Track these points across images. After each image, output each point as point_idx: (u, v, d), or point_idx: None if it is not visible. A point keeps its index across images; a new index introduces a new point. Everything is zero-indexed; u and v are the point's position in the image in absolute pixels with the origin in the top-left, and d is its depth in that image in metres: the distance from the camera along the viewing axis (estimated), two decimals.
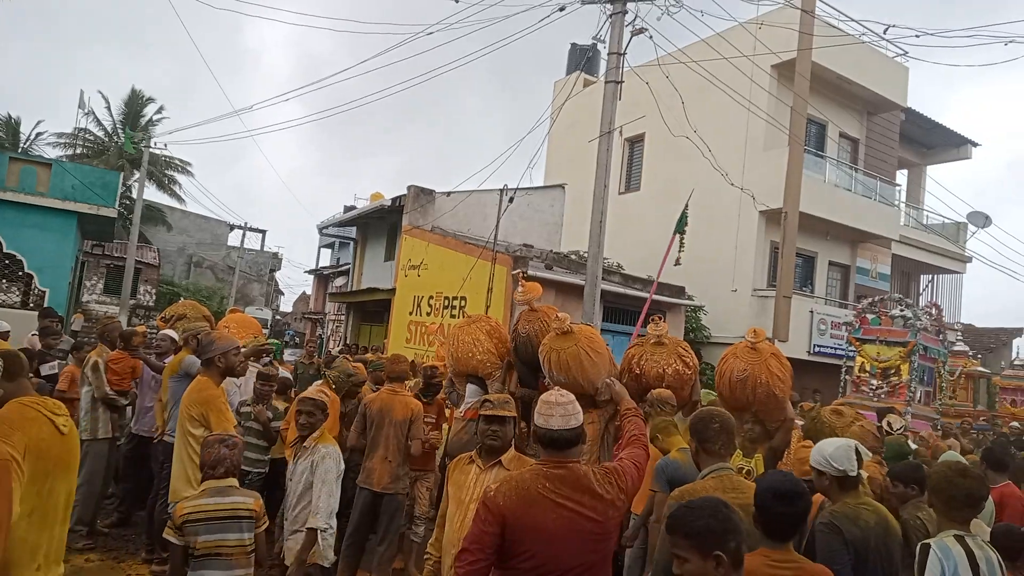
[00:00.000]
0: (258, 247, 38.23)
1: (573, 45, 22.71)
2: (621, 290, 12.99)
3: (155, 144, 23.76)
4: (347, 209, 24.54)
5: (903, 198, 20.20)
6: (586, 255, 9.57)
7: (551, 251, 14.02)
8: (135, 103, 28.77)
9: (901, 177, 21.09)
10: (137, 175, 24.44)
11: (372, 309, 17.82)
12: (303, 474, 3.90)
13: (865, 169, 18.01)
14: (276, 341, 10.41)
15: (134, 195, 23.30)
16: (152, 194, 28.55)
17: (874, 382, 11.51)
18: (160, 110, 29.47)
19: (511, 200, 9.77)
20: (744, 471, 4.17)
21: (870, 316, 12.19)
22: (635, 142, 19.70)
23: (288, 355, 12.81)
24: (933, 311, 12.66)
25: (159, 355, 5.81)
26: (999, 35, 9.66)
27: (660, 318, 4.98)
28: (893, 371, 11.31)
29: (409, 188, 14.93)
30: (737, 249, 16.49)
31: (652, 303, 12.90)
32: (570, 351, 4.27)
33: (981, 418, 13.32)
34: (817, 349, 15.97)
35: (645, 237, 17.88)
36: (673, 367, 4.67)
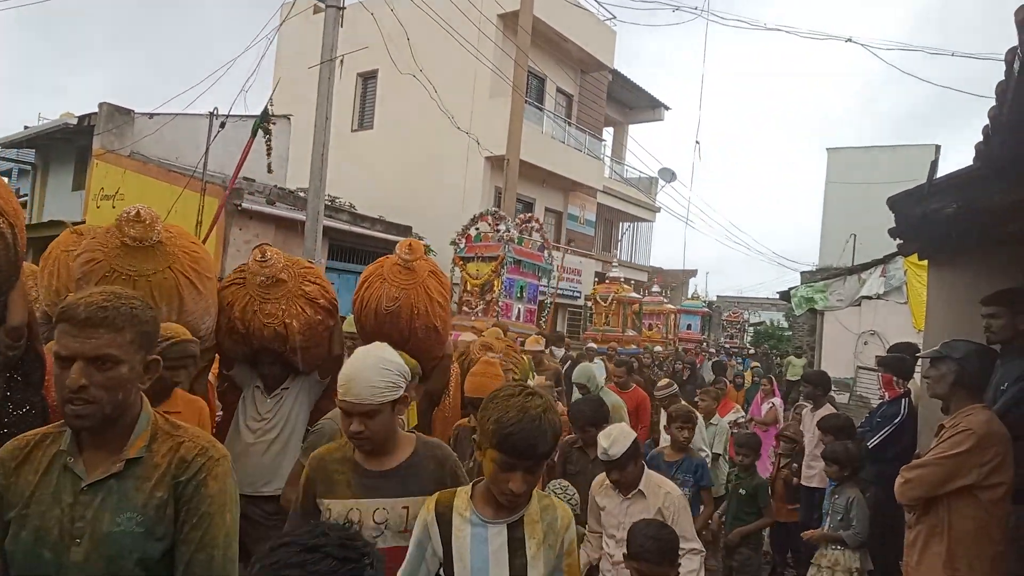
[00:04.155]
0: None
1: None
2: (348, 228, 12.78)
3: None
4: (27, 130, 20.55)
5: (608, 152, 22.57)
6: None
7: (274, 186, 13.24)
8: None
9: (607, 133, 23.47)
10: None
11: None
12: None
13: (577, 124, 19.70)
14: None
15: None
16: None
17: (472, 300, 10.66)
18: None
19: (222, 126, 8.94)
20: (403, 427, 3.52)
21: (472, 233, 11.26)
22: (368, 78, 19.24)
23: None
24: (534, 225, 11.84)
25: None
26: (674, 4, 11.08)
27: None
28: (488, 288, 10.57)
29: (101, 106, 12.92)
30: (465, 192, 17.11)
31: (379, 242, 12.96)
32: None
33: (632, 344, 14.35)
34: (553, 291, 17.41)
35: (377, 176, 17.72)
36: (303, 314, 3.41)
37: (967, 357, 2.95)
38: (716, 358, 14.71)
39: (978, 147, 2.79)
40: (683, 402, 5.07)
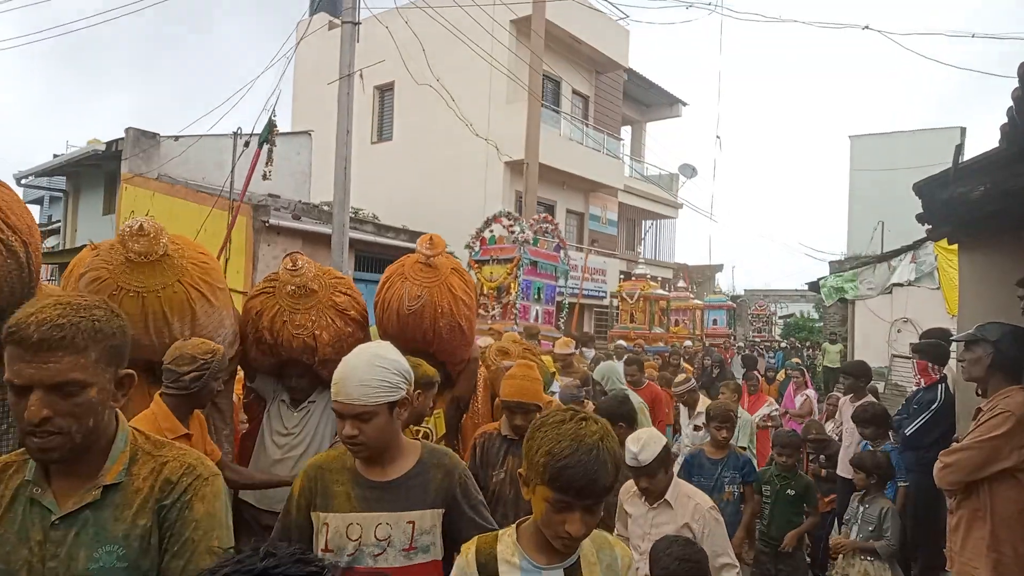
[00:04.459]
0: None
1: None
2: (373, 238, 12.92)
3: None
4: (56, 158, 21.12)
5: (627, 151, 22.52)
6: None
7: (299, 201, 13.45)
8: None
9: (625, 132, 23.43)
10: None
11: None
12: None
13: (594, 124, 19.70)
14: None
15: None
16: None
17: (488, 303, 10.40)
18: None
19: (247, 144, 9.11)
20: (421, 434, 3.35)
21: (487, 235, 11.02)
22: (385, 91, 19.45)
23: None
24: (548, 226, 11.59)
25: None
26: (687, 1, 10.97)
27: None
28: (504, 290, 10.32)
29: (128, 131, 13.23)
30: (485, 199, 17.20)
31: (405, 251, 13.07)
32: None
33: (662, 341, 14.13)
34: (570, 291, 17.41)
35: (399, 186, 17.90)
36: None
37: (1002, 339, 2.93)
38: (745, 352, 14.58)
39: (1003, 128, 2.78)
40: (720, 400, 5.00)
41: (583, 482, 1.41)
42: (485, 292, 10.47)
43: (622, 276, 18.67)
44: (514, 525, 1.65)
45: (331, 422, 3.25)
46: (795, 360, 14.91)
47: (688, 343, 13.89)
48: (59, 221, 20.74)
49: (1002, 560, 2.72)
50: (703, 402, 5.66)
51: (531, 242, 10.62)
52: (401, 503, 1.89)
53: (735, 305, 20.69)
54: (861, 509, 3.97)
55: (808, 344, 22.89)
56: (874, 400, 5.62)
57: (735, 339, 18.49)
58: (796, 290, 34.09)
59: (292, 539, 1.89)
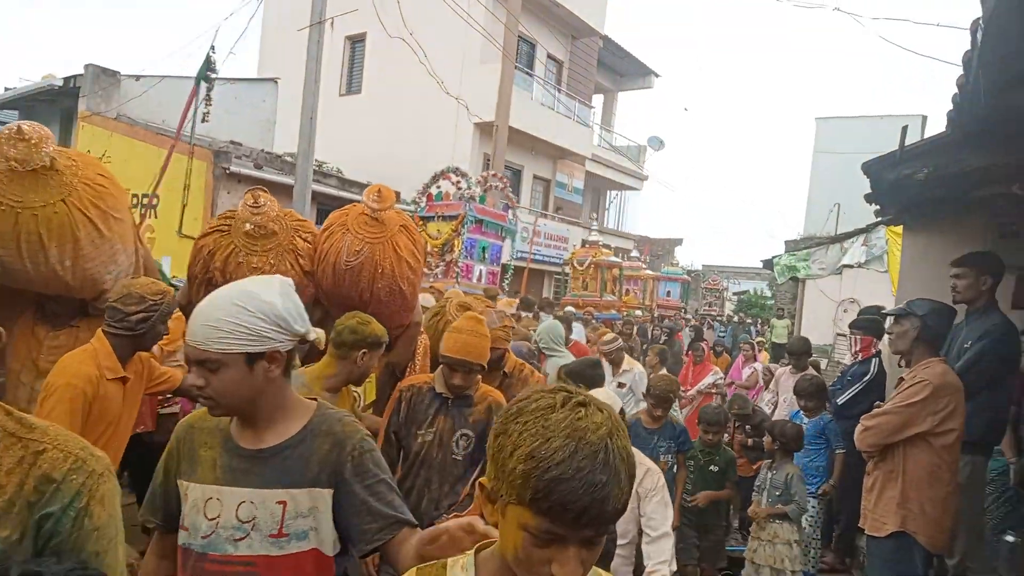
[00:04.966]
0: None
1: None
2: (337, 192, 12.81)
3: None
4: (8, 91, 20.21)
5: (598, 120, 22.54)
6: None
7: (262, 150, 13.20)
8: None
9: (596, 101, 23.40)
10: None
11: None
12: None
13: (567, 91, 19.65)
14: None
15: None
16: None
17: (432, 261, 9.91)
18: None
19: (210, 89, 8.90)
20: (355, 403, 3.06)
21: (434, 191, 10.67)
22: (356, 42, 19.04)
23: None
24: (498, 183, 11.08)
25: None
26: None
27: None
28: (448, 248, 9.97)
29: (87, 67, 12.76)
30: (453, 159, 17.08)
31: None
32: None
33: (613, 308, 13.93)
34: (519, 255, 17.50)
35: (366, 141, 17.66)
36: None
37: (929, 314, 3.13)
38: (693, 324, 14.89)
39: (949, 115, 2.93)
40: (663, 376, 4.74)
41: (584, 503, 0.87)
42: (429, 250, 9.90)
43: (585, 244, 18.86)
44: (471, 553, 1.10)
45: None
46: (746, 335, 15.38)
47: (638, 312, 14.10)
48: None
49: (909, 516, 2.96)
50: (628, 361, 5.87)
51: (477, 199, 10.30)
52: (272, 478, 1.52)
53: (689, 279, 21.01)
54: (770, 475, 4.18)
55: (759, 320, 23.52)
56: (815, 373, 5.89)
57: (686, 312, 18.84)
58: (752, 268, 34.88)
59: (156, 508, 1.64)
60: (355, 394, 3.12)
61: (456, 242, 9.92)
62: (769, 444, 4.29)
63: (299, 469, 1.54)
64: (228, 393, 1.48)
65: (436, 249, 10.00)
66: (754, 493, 4.25)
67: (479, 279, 10.21)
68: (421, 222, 10.31)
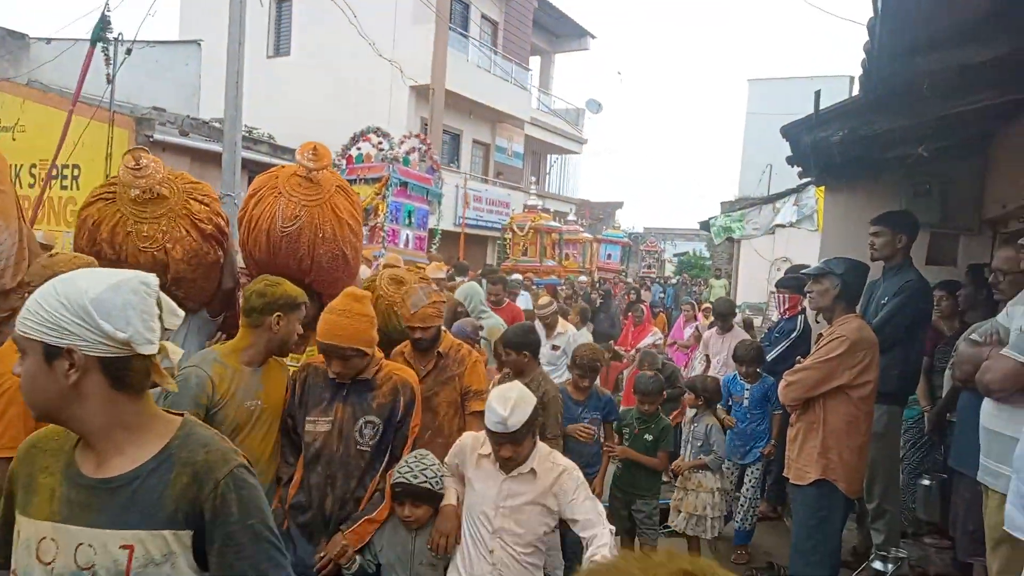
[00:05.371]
0: None
1: None
2: (268, 160, 12.39)
3: None
4: None
5: (536, 83, 22.37)
6: None
7: (187, 116, 12.65)
8: None
9: (534, 63, 23.20)
10: None
11: None
12: None
13: (503, 53, 19.40)
14: None
15: None
16: None
17: None
18: None
19: (128, 52, 8.44)
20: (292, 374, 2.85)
21: (354, 153, 10.08)
22: (283, 0, 18.31)
23: None
24: (422, 144, 10.65)
25: None
26: None
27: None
28: (372, 212, 9.38)
29: None
30: (389, 124, 16.73)
31: None
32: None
33: (553, 274, 13.74)
34: (461, 221, 17.40)
35: (297, 106, 17.11)
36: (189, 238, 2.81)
37: (847, 272, 3.26)
38: (632, 286, 15.09)
39: (859, 79, 3.02)
40: (587, 346, 4.46)
41: None
42: None
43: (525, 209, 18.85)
44: None
45: (195, 353, 2.71)
46: (687, 296, 15.72)
47: (583, 278, 14.15)
48: None
49: (829, 464, 3.12)
50: (562, 324, 5.97)
51: (401, 161, 9.82)
52: (117, 516, 1.24)
53: (630, 242, 21.26)
54: (693, 427, 4.37)
55: (698, 281, 24.13)
56: (751, 339, 6.02)
57: (626, 274, 19.10)
58: (691, 229, 35.59)
59: None
60: (294, 367, 2.92)
61: (380, 206, 9.44)
62: (692, 399, 4.43)
63: (151, 505, 1.25)
64: (29, 389, 1.24)
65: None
66: (682, 448, 4.40)
67: (406, 244, 9.81)
68: None
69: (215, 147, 10.81)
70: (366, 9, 12.75)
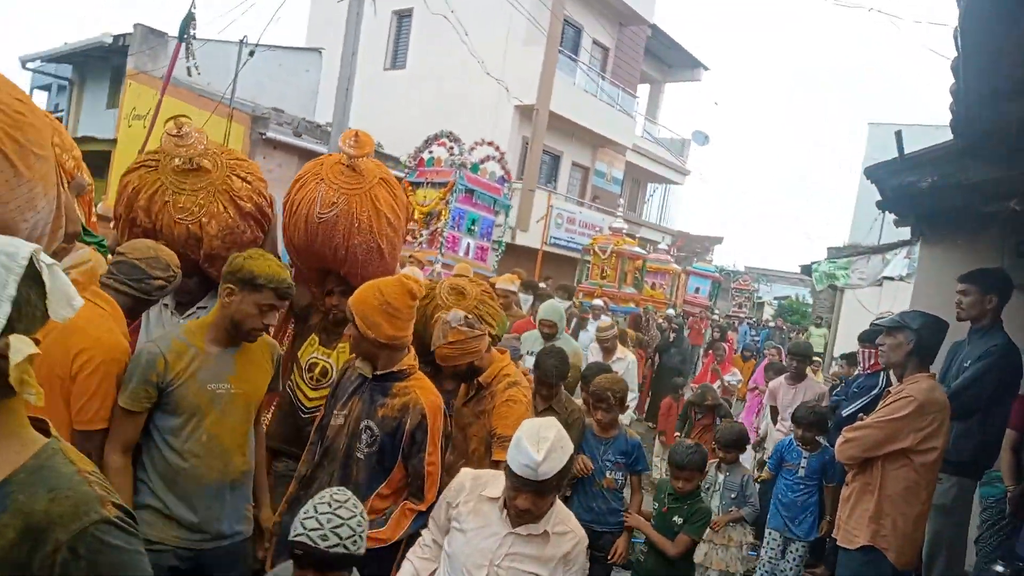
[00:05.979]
0: None
1: None
2: None
3: None
4: (66, 46, 20.88)
5: (642, 110, 22.21)
6: None
7: (303, 118, 13.37)
8: None
9: (642, 90, 23.05)
10: None
11: (89, 162, 15.61)
12: None
13: (611, 79, 19.40)
14: None
15: None
16: None
17: (416, 229, 9.26)
18: None
19: (251, 54, 9.05)
20: (319, 369, 2.91)
21: (426, 156, 9.78)
22: (403, 16, 19.07)
23: None
24: (495, 152, 10.29)
25: None
26: None
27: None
28: (435, 217, 9.24)
29: (136, 27, 13.10)
30: (492, 140, 17.06)
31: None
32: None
33: (632, 301, 13.05)
34: (553, 240, 17.41)
35: (406, 117, 17.74)
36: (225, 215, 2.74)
37: (923, 327, 3.03)
38: (719, 323, 14.47)
39: (950, 123, 2.82)
40: (608, 377, 3.83)
41: None
42: (415, 217, 9.25)
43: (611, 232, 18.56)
44: None
45: None
46: (771, 340, 15.01)
47: (670, 311, 13.62)
48: (63, 110, 20.60)
49: (880, 531, 2.89)
50: (621, 350, 5.94)
51: (469, 167, 9.47)
52: None
53: (720, 277, 20.42)
54: (720, 477, 4.11)
55: (796, 328, 23.08)
56: (815, 403, 5.37)
57: (714, 311, 18.31)
58: (793, 273, 34.15)
59: None
60: (325, 363, 2.85)
61: (443, 211, 9.13)
62: (725, 455, 4.14)
63: None
64: None
65: (422, 217, 9.28)
66: (704, 492, 4.13)
67: (466, 253, 9.49)
68: (411, 187, 9.51)
69: (323, 148, 11.35)
70: (481, 29, 13.12)
